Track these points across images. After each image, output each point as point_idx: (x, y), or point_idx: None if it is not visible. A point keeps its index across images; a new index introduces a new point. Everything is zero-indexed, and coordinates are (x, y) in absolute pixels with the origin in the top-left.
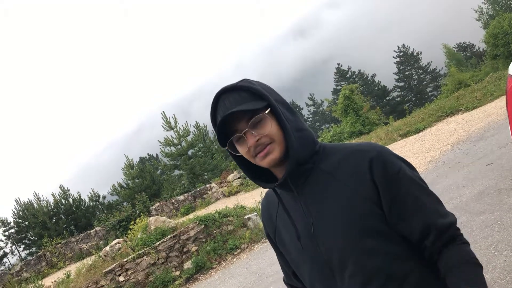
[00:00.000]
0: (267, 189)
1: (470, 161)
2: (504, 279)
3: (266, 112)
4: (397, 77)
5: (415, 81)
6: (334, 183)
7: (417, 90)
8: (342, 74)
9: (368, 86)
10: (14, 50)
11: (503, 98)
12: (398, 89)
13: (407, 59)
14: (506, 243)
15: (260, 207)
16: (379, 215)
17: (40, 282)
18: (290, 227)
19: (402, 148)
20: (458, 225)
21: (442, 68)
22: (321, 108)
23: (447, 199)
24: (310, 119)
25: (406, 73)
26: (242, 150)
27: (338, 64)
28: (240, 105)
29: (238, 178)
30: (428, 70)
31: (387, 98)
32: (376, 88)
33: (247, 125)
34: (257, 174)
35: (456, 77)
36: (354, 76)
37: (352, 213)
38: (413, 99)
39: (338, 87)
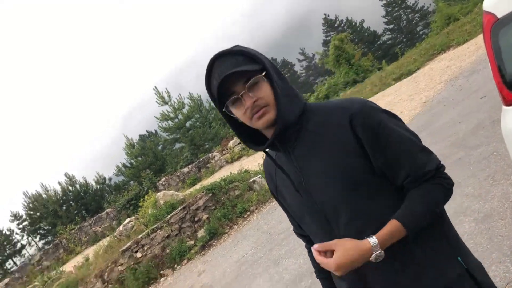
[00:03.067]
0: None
1: (464, 96)
2: (502, 207)
3: (262, 74)
4: (385, 20)
5: (404, 21)
6: (321, 141)
7: (407, 31)
8: (330, 24)
9: (357, 33)
10: (15, 42)
11: None
12: (388, 32)
13: (394, 0)
14: (502, 172)
15: (263, 166)
16: (364, 166)
17: (61, 269)
18: (288, 183)
19: (396, 92)
20: (453, 161)
21: (430, 4)
22: (313, 62)
23: (445, 136)
24: (304, 74)
25: (395, 14)
26: (238, 112)
27: (325, 15)
28: (236, 67)
29: (239, 143)
30: (416, 9)
31: (378, 42)
32: (366, 34)
33: (243, 87)
34: (249, 138)
35: (445, 12)
36: (342, 25)
37: (338, 167)
38: (404, 40)
39: (327, 38)
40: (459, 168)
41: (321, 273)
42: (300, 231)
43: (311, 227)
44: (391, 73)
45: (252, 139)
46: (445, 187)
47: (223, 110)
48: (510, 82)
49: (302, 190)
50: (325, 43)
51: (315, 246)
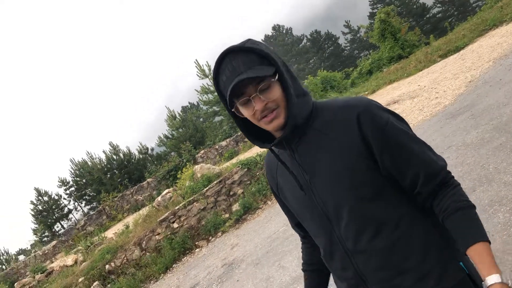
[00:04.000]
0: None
1: None
2: None
3: (275, 79)
4: None
5: None
6: (326, 140)
7: (459, 3)
8: None
9: (406, 5)
10: (38, 38)
11: None
12: (438, 5)
13: None
14: None
15: (264, 163)
16: (370, 167)
17: (103, 235)
18: (290, 182)
19: (442, 69)
20: (494, 147)
21: None
22: (358, 35)
23: (487, 120)
24: (348, 47)
25: None
26: (247, 112)
27: None
28: (249, 68)
29: None
30: None
31: (427, 16)
32: (414, 7)
33: (254, 89)
34: (255, 135)
35: None
36: None
37: (344, 167)
38: (455, 13)
39: (374, 11)
40: (499, 154)
41: (310, 265)
42: (297, 230)
43: (311, 226)
44: (437, 49)
45: (257, 134)
46: (459, 184)
47: (232, 110)
48: None
49: (304, 188)
50: (371, 16)
51: None
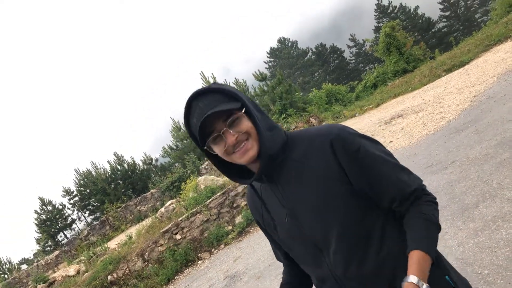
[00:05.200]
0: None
1: None
2: None
3: (242, 112)
4: (442, 6)
5: (462, 8)
6: (304, 170)
7: (464, 18)
8: (382, 10)
9: (411, 20)
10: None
11: None
12: (444, 19)
13: None
14: None
15: (246, 196)
16: (351, 192)
17: (105, 245)
18: (277, 214)
19: (446, 84)
20: (498, 162)
21: None
22: (363, 49)
23: (491, 135)
24: (353, 61)
25: (452, 0)
26: (219, 149)
27: (378, 0)
28: (216, 106)
29: None
30: None
31: (433, 30)
32: (420, 21)
33: (224, 125)
34: (233, 171)
35: None
36: (395, 11)
37: (326, 194)
38: (460, 28)
39: (379, 25)
40: (502, 170)
41: (290, 284)
42: (284, 262)
43: (300, 256)
44: (442, 64)
45: (235, 172)
46: (434, 202)
47: (205, 148)
48: None
49: (291, 219)
50: (377, 30)
51: None
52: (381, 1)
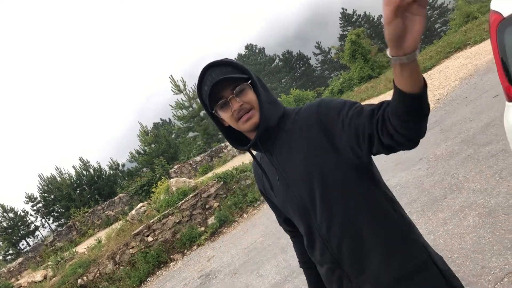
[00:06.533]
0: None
1: (478, 95)
2: (507, 203)
3: (248, 82)
4: None
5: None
6: (294, 138)
7: (425, 28)
8: (347, 19)
9: (375, 28)
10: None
11: None
12: None
13: None
14: (510, 170)
15: (252, 167)
16: (337, 161)
17: (74, 250)
18: (273, 180)
19: None
20: (463, 158)
21: (449, 2)
22: (329, 56)
23: (456, 133)
24: (319, 68)
25: None
26: (226, 115)
27: (343, 9)
28: (226, 75)
29: None
30: (436, 6)
31: None
32: (383, 30)
33: (231, 93)
34: (235, 139)
35: (464, 10)
36: (360, 20)
37: (312, 163)
38: (422, 37)
39: (344, 33)
40: (467, 164)
41: (305, 263)
42: (285, 227)
43: (295, 219)
44: None
45: (237, 140)
46: None
47: (213, 112)
48: None
49: (283, 185)
50: (342, 38)
51: None
52: (346, 10)
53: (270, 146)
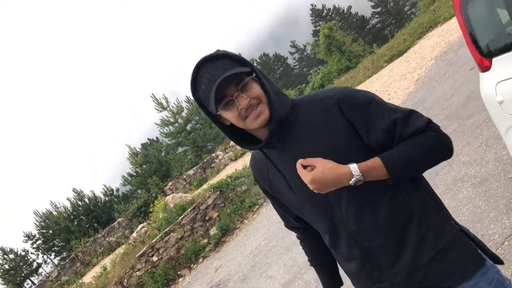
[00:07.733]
0: (252, 151)
1: (455, 70)
2: (496, 170)
3: (253, 76)
4: (372, 3)
5: (391, 3)
6: (313, 130)
7: (395, 12)
8: (318, 14)
9: (346, 20)
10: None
11: None
12: (376, 16)
13: None
14: (495, 137)
15: (251, 168)
16: (358, 144)
17: (80, 281)
18: (288, 175)
19: (390, 73)
20: (449, 133)
21: None
22: (305, 53)
23: (439, 110)
24: (297, 66)
25: None
26: (231, 114)
27: (312, 5)
28: (227, 70)
29: None
30: None
31: (368, 27)
32: (354, 20)
33: (235, 89)
34: (241, 139)
35: None
36: (330, 13)
37: (333, 150)
38: (393, 22)
39: (317, 28)
40: (454, 138)
41: (317, 260)
42: (291, 225)
43: (311, 215)
44: (382, 56)
45: (243, 139)
46: (439, 134)
47: (217, 113)
48: (482, 49)
49: (302, 182)
50: (315, 33)
51: (300, 160)
52: (315, 6)
53: (286, 140)
